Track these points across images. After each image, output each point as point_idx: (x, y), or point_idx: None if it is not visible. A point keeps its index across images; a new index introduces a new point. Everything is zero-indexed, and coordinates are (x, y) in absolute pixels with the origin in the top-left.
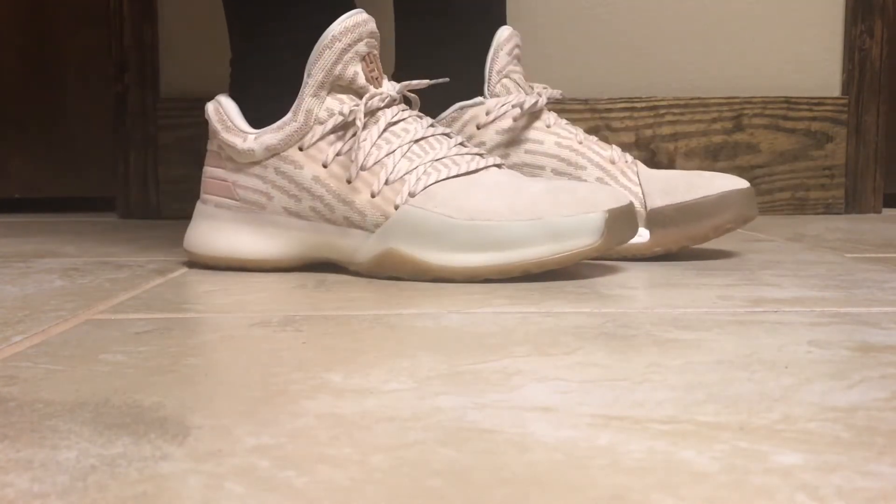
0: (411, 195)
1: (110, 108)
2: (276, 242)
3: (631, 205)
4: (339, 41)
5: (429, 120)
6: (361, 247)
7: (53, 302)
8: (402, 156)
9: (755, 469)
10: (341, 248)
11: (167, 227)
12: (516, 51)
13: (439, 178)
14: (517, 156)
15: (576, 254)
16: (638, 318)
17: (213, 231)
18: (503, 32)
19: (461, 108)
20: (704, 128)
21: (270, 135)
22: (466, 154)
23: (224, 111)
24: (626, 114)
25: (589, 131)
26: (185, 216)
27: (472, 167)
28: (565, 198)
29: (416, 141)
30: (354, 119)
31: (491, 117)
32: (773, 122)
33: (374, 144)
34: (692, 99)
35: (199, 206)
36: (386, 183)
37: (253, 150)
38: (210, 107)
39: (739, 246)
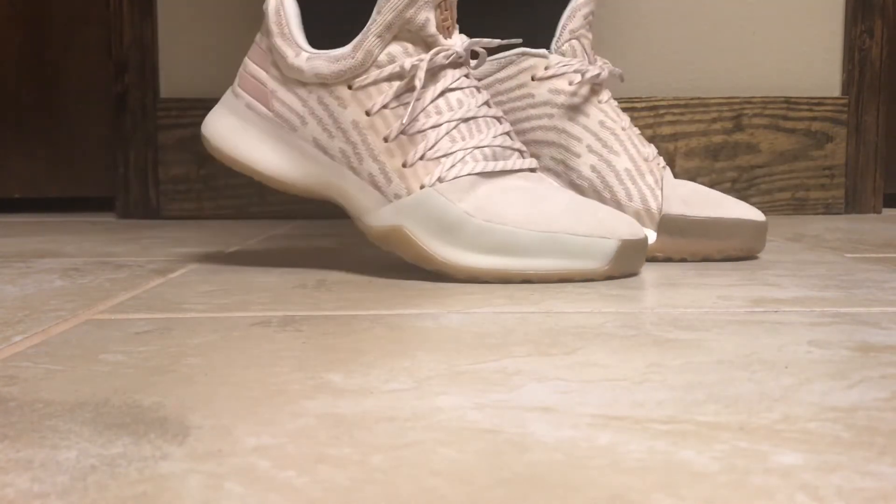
0: (440, 180)
1: (110, 108)
2: (296, 167)
3: (645, 239)
4: None
5: (485, 95)
6: (374, 211)
7: (53, 302)
8: (447, 133)
9: (755, 469)
10: (355, 201)
11: (167, 227)
12: (591, 17)
13: (473, 171)
14: (560, 120)
15: (579, 273)
16: (638, 318)
17: (238, 131)
18: None
19: (522, 54)
20: (704, 128)
21: (324, 62)
22: (508, 148)
23: (284, 14)
24: (626, 114)
25: None
26: (185, 216)
27: (509, 166)
28: (585, 218)
29: (466, 120)
30: (413, 76)
31: (549, 73)
32: (773, 122)
33: (423, 110)
34: (692, 99)
35: (230, 96)
36: (421, 158)
37: (302, 70)
38: (271, 3)
39: None
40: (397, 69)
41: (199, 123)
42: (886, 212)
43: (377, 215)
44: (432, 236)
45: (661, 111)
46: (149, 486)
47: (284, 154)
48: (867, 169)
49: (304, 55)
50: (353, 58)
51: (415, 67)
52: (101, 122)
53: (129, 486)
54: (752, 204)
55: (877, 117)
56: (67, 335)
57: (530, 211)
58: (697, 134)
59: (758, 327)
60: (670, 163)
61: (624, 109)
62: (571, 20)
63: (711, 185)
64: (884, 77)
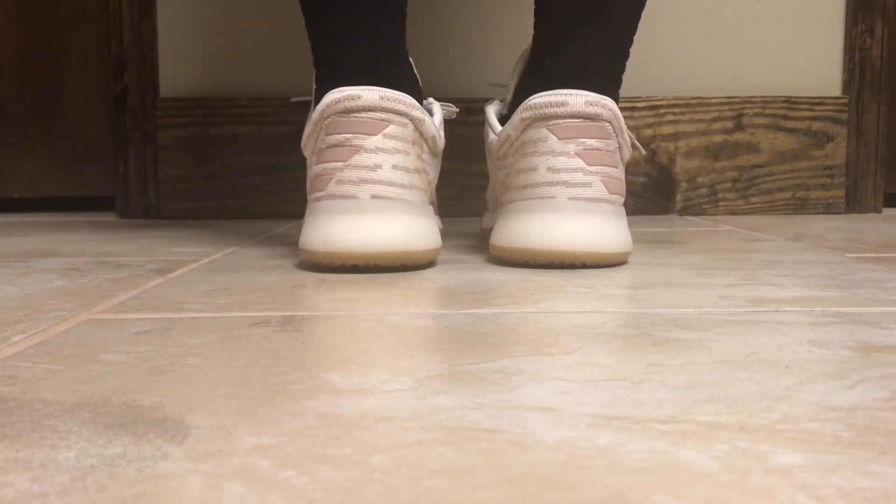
0: None
1: (110, 108)
2: None
3: None
4: None
5: None
6: None
7: (53, 302)
8: None
9: (755, 469)
10: None
11: (167, 226)
12: None
13: None
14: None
15: None
16: (638, 318)
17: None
18: None
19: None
20: (705, 127)
21: None
22: None
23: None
24: (627, 114)
25: None
26: (185, 216)
27: None
28: None
29: None
30: None
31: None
32: (773, 122)
33: None
34: (692, 99)
35: (612, 208)
36: None
37: None
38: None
39: (739, 246)
40: None
41: (199, 123)
42: (887, 211)
43: None
44: None
45: (662, 111)
46: (148, 486)
47: None
48: (868, 168)
49: None
50: None
51: None
52: (101, 122)
53: (128, 486)
54: (753, 203)
55: (877, 117)
56: (67, 335)
57: None
58: (698, 134)
59: (758, 327)
60: (670, 163)
61: (624, 109)
62: None
63: (712, 185)
64: (884, 77)
